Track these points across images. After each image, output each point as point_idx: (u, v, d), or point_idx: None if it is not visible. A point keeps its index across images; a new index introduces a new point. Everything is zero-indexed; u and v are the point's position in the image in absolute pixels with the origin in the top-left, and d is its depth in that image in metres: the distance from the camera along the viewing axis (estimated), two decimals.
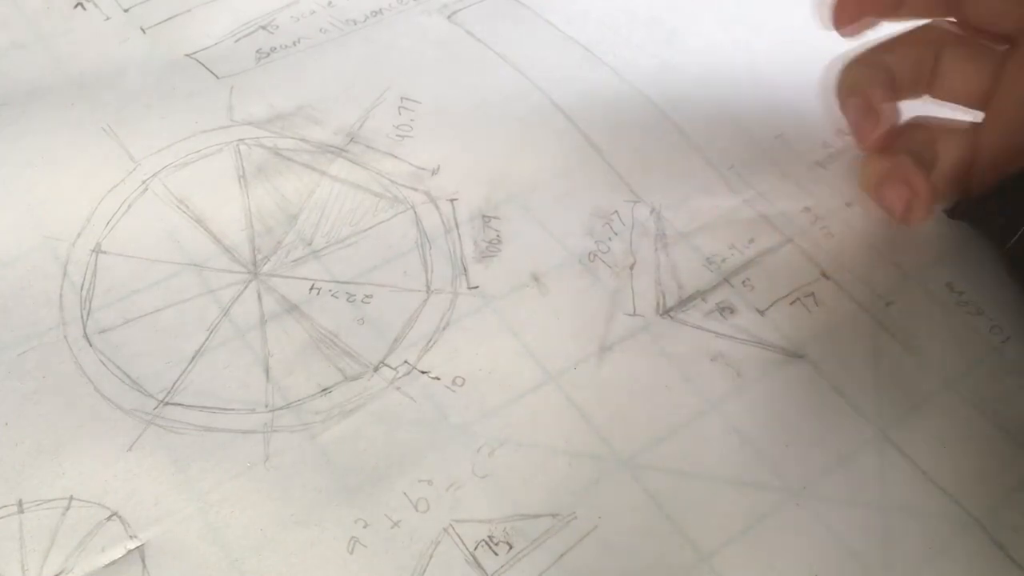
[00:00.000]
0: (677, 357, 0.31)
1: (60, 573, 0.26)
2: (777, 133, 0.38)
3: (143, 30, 0.40)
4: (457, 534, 0.27)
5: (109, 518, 0.27)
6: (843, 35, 0.33)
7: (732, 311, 0.33)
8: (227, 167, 0.35)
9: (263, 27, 0.40)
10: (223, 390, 0.30)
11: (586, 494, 0.28)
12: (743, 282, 0.33)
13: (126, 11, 0.40)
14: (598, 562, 0.27)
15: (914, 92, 0.34)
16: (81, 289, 0.32)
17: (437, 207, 0.35)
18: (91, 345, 0.30)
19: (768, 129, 0.38)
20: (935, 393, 0.27)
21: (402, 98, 0.37)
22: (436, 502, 0.28)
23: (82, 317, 0.31)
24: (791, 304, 0.33)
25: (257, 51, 0.39)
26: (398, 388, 0.30)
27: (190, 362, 0.30)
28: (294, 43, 0.39)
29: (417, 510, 0.28)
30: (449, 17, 0.41)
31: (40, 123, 0.35)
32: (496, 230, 0.34)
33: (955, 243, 0.35)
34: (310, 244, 0.33)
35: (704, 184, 0.36)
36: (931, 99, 0.34)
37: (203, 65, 0.38)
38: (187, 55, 0.39)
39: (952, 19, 0.33)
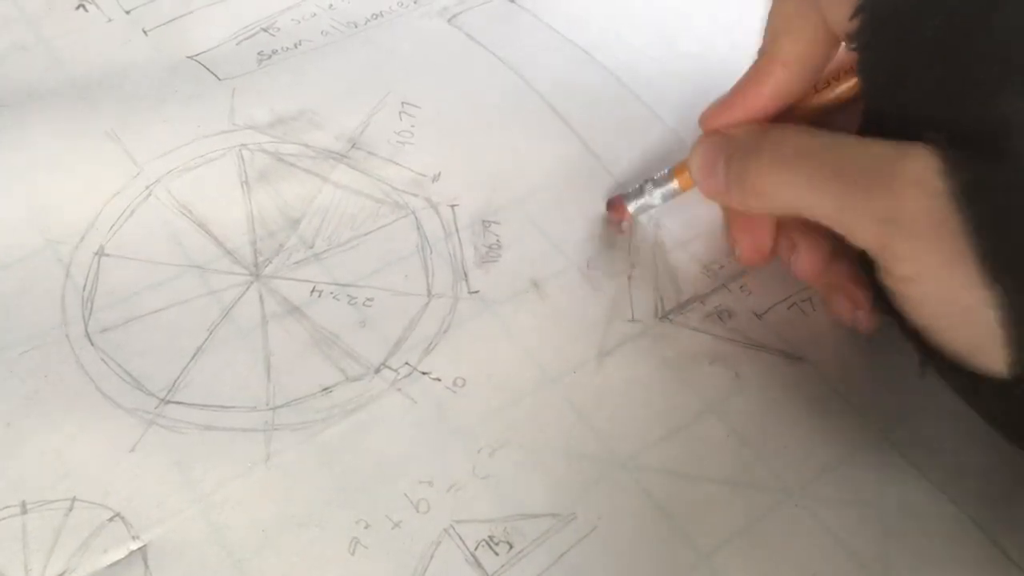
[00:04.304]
0: (676, 359, 0.32)
1: (63, 574, 0.26)
2: None
3: (145, 32, 0.40)
4: (458, 534, 0.27)
5: (112, 519, 0.27)
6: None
7: (730, 315, 0.33)
8: (230, 172, 0.35)
9: (264, 29, 0.40)
10: (224, 388, 0.30)
11: (586, 494, 0.28)
12: (741, 287, 0.34)
13: (128, 13, 0.40)
14: (598, 561, 0.27)
15: None
16: (83, 290, 0.32)
17: (438, 212, 0.35)
18: (92, 344, 0.30)
19: None
20: (933, 394, 0.27)
21: (403, 103, 0.38)
22: (437, 503, 0.28)
23: (84, 317, 0.31)
24: (789, 308, 0.33)
25: (259, 53, 0.39)
26: (399, 389, 0.30)
27: (191, 360, 0.30)
28: (295, 45, 0.40)
29: (418, 511, 0.28)
30: (449, 20, 0.41)
31: (42, 126, 0.35)
32: (496, 235, 0.34)
33: None
34: (312, 247, 0.33)
35: None
36: None
37: (205, 67, 0.38)
38: (189, 57, 0.39)
39: None
